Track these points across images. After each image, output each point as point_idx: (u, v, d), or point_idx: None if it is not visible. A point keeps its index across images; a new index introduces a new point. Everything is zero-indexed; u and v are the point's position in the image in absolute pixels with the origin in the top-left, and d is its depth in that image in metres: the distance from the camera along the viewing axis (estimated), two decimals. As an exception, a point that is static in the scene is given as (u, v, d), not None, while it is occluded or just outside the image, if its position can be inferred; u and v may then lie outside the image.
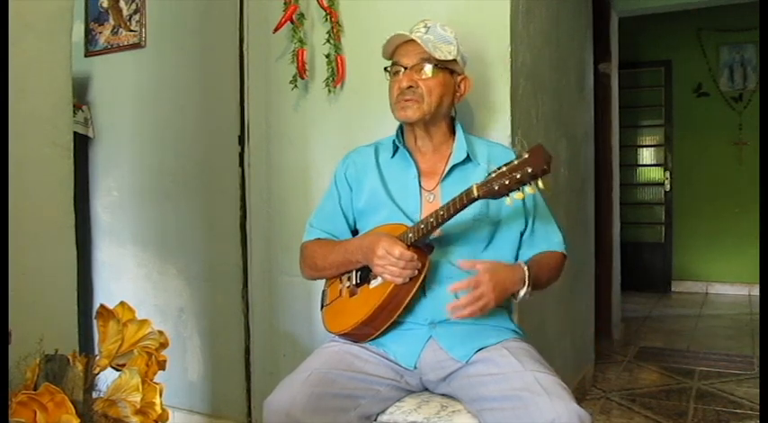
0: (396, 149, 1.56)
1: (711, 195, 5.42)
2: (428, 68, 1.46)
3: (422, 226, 1.34)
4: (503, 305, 1.51)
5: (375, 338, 1.44)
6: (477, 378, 1.33)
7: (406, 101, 1.46)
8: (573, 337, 2.75)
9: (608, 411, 2.71)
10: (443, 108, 1.50)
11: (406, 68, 1.47)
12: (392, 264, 1.33)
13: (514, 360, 1.32)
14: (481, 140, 1.60)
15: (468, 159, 1.50)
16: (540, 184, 1.23)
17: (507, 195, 1.24)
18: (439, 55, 1.45)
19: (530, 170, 1.20)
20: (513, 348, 1.38)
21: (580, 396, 2.77)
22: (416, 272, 1.35)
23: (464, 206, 1.30)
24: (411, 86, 1.46)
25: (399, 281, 1.34)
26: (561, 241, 1.53)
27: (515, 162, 1.22)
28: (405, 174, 1.53)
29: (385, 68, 1.54)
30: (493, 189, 1.24)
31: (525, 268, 1.37)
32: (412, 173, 1.51)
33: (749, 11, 4.46)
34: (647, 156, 5.71)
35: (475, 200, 1.27)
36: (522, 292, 1.36)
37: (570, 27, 2.70)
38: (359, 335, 1.44)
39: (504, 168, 1.23)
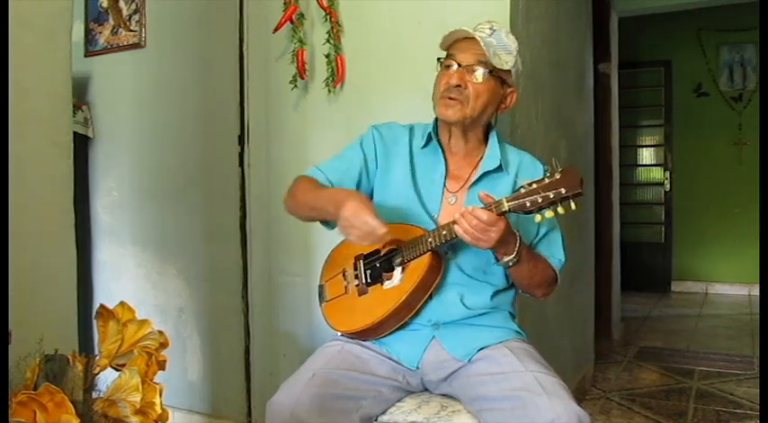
0: (429, 141, 1.52)
1: (711, 195, 5.42)
2: (481, 72, 1.41)
3: (444, 232, 1.33)
4: (505, 307, 1.51)
5: (380, 338, 1.44)
6: (478, 377, 1.33)
7: (451, 99, 1.42)
8: (573, 337, 2.75)
9: (608, 411, 2.71)
10: (485, 116, 1.47)
11: (459, 65, 1.43)
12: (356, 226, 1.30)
13: (515, 359, 1.32)
14: (512, 149, 1.55)
15: (499, 168, 1.47)
16: (573, 205, 1.22)
17: (538, 212, 1.23)
18: (496, 62, 1.41)
19: (563, 191, 1.19)
20: (514, 348, 1.38)
21: (580, 396, 2.77)
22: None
23: None
24: (459, 85, 1.41)
25: (362, 243, 1.33)
26: (561, 261, 1.48)
27: (547, 181, 1.21)
28: (433, 169, 1.49)
29: (438, 59, 1.49)
30: (524, 205, 1.23)
31: (518, 241, 1.33)
32: (440, 170, 1.48)
33: (749, 11, 4.46)
34: (646, 156, 5.71)
35: (504, 213, 1.26)
36: (506, 258, 1.33)
37: (570, 27, 2.70)
38: (368, 333, 1.43)
39: (536, 185, 1.22)
